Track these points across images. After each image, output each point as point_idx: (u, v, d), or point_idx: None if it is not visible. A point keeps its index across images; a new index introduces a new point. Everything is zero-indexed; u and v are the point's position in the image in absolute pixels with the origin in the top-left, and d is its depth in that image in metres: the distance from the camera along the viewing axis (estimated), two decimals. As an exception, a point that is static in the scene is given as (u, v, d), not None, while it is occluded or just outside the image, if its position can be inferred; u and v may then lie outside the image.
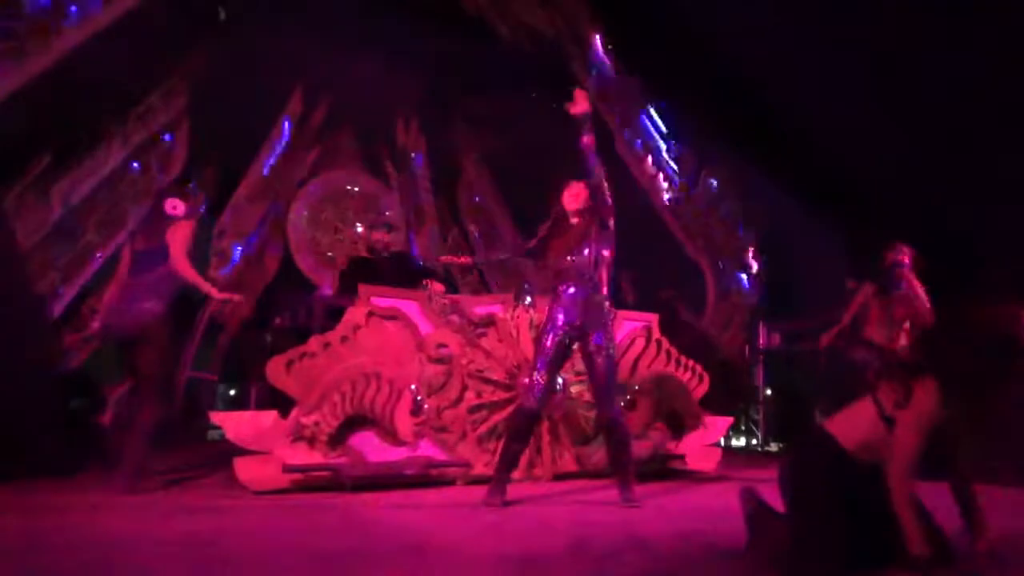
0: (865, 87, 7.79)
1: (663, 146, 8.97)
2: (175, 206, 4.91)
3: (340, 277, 5.92)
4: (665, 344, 5.79)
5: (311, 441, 4.23)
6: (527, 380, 4.16)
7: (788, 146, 8.78)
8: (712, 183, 8.79)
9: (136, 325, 4.46)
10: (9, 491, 3.94)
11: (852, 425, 2.62)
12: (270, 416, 4.26)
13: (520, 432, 4.06)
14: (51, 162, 7.50)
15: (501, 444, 4.18)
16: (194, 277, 4.61)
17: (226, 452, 4.45)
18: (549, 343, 4.03)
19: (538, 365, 4.02)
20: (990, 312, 2.49)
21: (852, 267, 6.81)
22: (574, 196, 4.19)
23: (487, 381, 4.93)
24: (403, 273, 5.53)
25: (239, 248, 9.46)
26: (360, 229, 10.44)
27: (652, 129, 9.05)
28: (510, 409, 4.75)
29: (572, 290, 4.07)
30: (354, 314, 4.55)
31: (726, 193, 8.80)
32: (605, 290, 4.16)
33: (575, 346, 4.17)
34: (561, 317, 4.04)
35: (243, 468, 4.16)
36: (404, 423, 4.49)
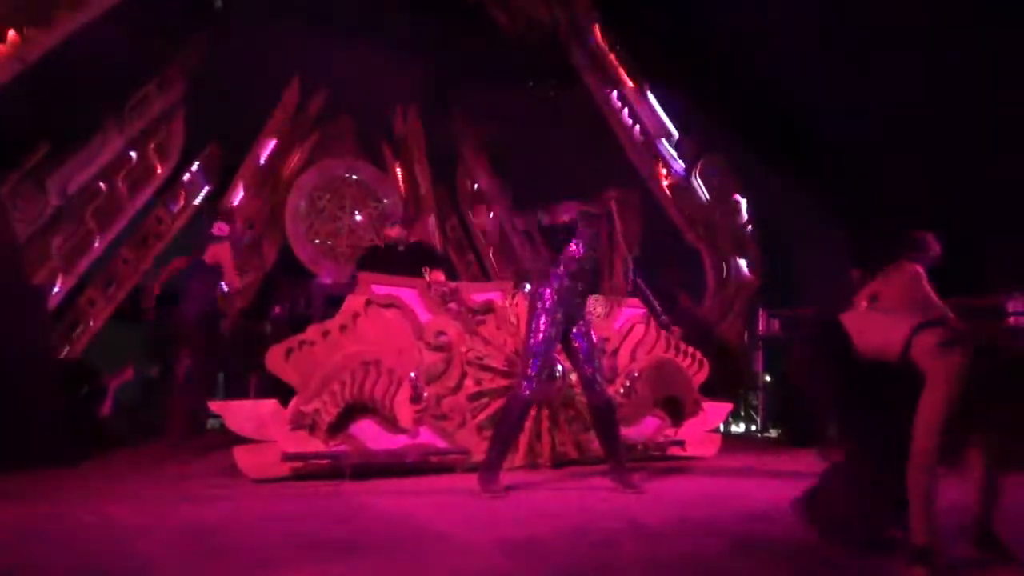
0: (866, 81, 7.75)
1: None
2: (221, 229, 6.15)
3: (358, 265, 6.05)
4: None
5: (311, 429, 4.24)
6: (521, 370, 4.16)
7: (788, 131, 8.74)
8: (712, 170, 8.74)
9: (188, 326, 5.71)
10: (8, 481, 3.94)
11: (876, 331, 2.60)
12: (270, 405, 4.26)
13: (517, 422, 4.08)
14: (47, 152, 7.46)
15: (495, 432, 4.14)
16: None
17: (226, 441, 4.46)
18: (543, 334, 4.02)
19: (533, 356, 4.01)
20: None
21: (854, 255, 6.77)
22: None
23: (486, 368, 4.92)
24: (421, 263, 5.56)
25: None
26: (359, 217, 10.46)
27: (651, 115, 8.99)
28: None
29: (573, 286, 4.11)
30: (353, 302, 4.55)
31: (725, 180, 8.76)
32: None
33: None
34: (559, 309, 4.06)
35: (243, 456, 4.17)
36: (404, 411, 4.50)
